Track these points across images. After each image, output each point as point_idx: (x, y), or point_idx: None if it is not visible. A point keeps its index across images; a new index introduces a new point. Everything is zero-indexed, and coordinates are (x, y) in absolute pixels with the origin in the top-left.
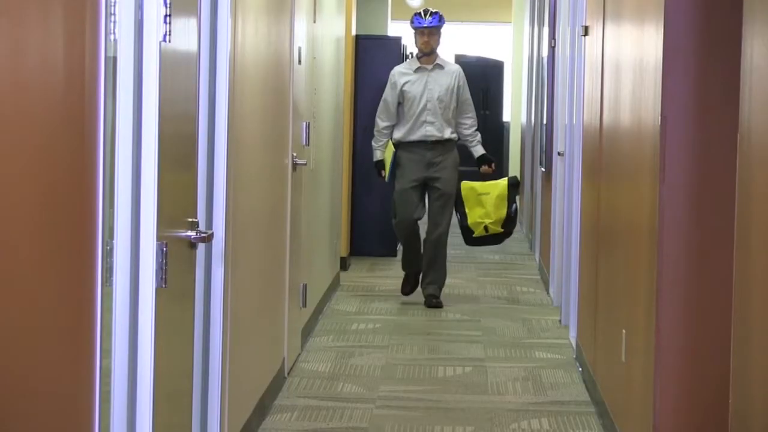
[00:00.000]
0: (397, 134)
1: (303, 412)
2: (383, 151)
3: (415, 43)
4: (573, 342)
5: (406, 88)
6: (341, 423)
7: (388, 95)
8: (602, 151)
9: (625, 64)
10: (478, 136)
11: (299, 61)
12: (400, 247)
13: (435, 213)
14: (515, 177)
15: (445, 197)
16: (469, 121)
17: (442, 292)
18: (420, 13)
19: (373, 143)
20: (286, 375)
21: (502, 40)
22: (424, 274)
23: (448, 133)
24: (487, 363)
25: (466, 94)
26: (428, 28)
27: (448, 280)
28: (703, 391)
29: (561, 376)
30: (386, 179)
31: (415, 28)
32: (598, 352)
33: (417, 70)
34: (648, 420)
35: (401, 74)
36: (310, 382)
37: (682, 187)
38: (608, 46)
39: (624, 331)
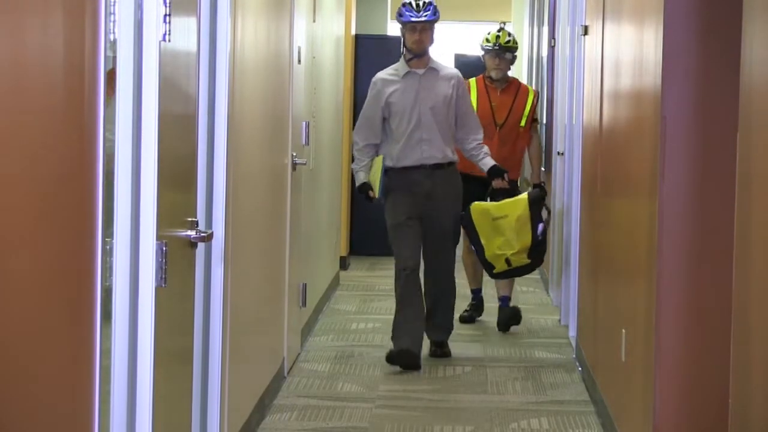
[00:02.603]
0: (387, 161)
1: (302, 411)
2: (367, 173)
3: (404, 41)
4: (572, 341)
5: (392, 99)
6: (341, 422)
7: (370, 109)
8: (602, 151)
9: (624, 63)
10: (485, 149)
11: (299, 61)
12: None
13: (434, 251)
14: (537, 190)
15: (446, 236)
16: (474, 136)
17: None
18: (410, 3)
19: (353, 166)
20: (285, 374)
21: None
22: (427, 314)
23: (450, 154)
24: (486, 362)
25: (467, 106)
26: (421, 23)
27: None
28: (703, 391)
29: (560, 375)
30: (377, 195)
31: (404, 23)
32: (598, 352)
33: (406, 76)
34: (648, 420)
35: (386, 82)
36: (309, 381)
37: (682, 187)
38: (608, 46)
39: (624, 330)
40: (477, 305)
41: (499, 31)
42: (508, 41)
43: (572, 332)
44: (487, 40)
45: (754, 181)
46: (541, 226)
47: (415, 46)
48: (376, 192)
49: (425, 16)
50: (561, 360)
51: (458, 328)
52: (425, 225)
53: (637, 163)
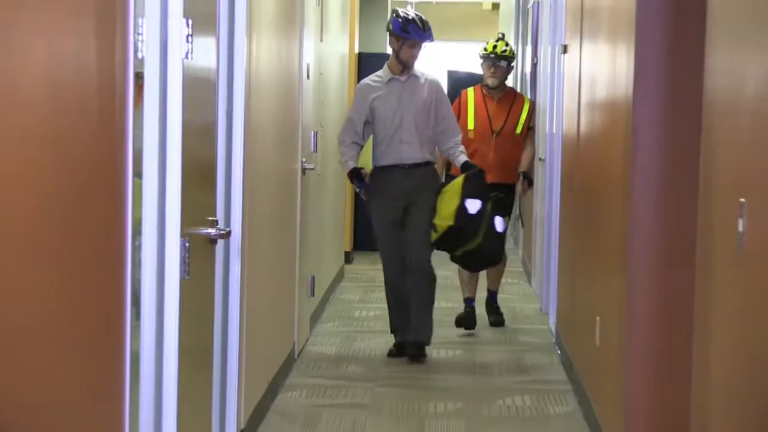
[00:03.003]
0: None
1: (311, 390)
2: (356, 160)
3: (398, 52)
4: (552, 328)
5: (376, 104)
6: (345, 400)
7: (354, 112)
8: (579, 158)
9: (600, 79)
10: (461, 148)
11: (308, 76)
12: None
13: (414, 242)
14: (477, 170)
15: (426, 231)
16: (453, 138)
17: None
18: (416, 21)
19: (340, 159)
20: (296, 357)
21: None
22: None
23: (427, 155)
24: (475, 346)
25: (447, 109)
26: (420, 43)
27: (441, 272)
28: (669, 371)
29: (541, 358)
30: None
31: (405, 39)
32: (575, 337)
33: (389, 82)
34: (619, 397)
35: (370, 88)
36: (317, 363)
37: (651, 191)
38: (585, 63)
39: (598, 318)
40: (469, 314)
41: (497, 40)
42: (504, 50)
43: (552, 319)
44: (485, 49)
45: (715, 189)
46: (475, 203)
47: (411, 60)
48: (369, 167)
49: (429, 38)
50: (542, 344)
51: (450, 315)
52: (406, 220)
53: (610, 168)
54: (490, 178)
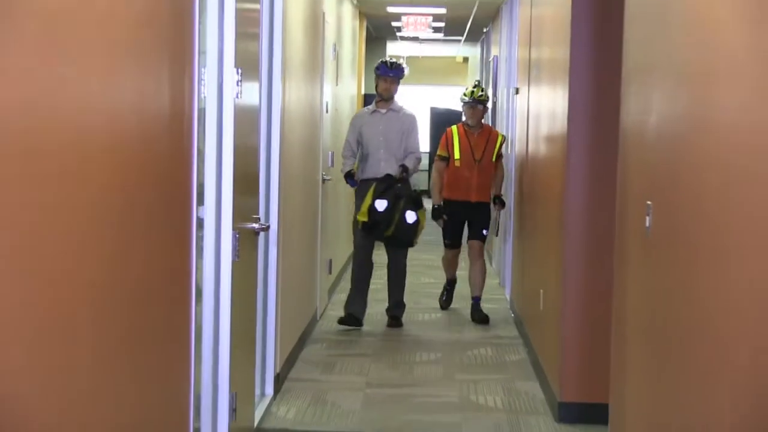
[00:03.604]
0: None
1: (329, 343)
2: (351, 166)
3: (376, 87)
4: (508, 297)
5: (362, 129)
6: (355, 351)
7: (350, 135)
8: (528, 172)
9: (543, 114)
10: (413, 160)
11: (326, 111)
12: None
13: (393, 248)
14: (387, 176)
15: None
16: (413, 155)
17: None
18: (386, 62)
19: (342, 167)
20: (318, 319)
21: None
22: (389, 293)
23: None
24: (450, 312)
25: (414, 137)
26: (390, 77)
27: (424, 255)
28: (594, 327)
29: (500, 319)
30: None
31: (379, 75)
32: (525, 304)
33: (373, 113)
34: (557, 348)
35: (361, 117)
36: (333, 324)
37: (581, 193)
38: (532, 101)
39: (541, 290)
40: (449, 296)
41: (474, 87)
42: (481, 95)
43: (507, 291)
44: (465, 95)
45: (627, 192)
46: (383, 203)
47: (384, 92)
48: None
49: (393, 73)
50: (500, 309)
51: (430, 288)
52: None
53: (550, 179)
54: (473, 198)
